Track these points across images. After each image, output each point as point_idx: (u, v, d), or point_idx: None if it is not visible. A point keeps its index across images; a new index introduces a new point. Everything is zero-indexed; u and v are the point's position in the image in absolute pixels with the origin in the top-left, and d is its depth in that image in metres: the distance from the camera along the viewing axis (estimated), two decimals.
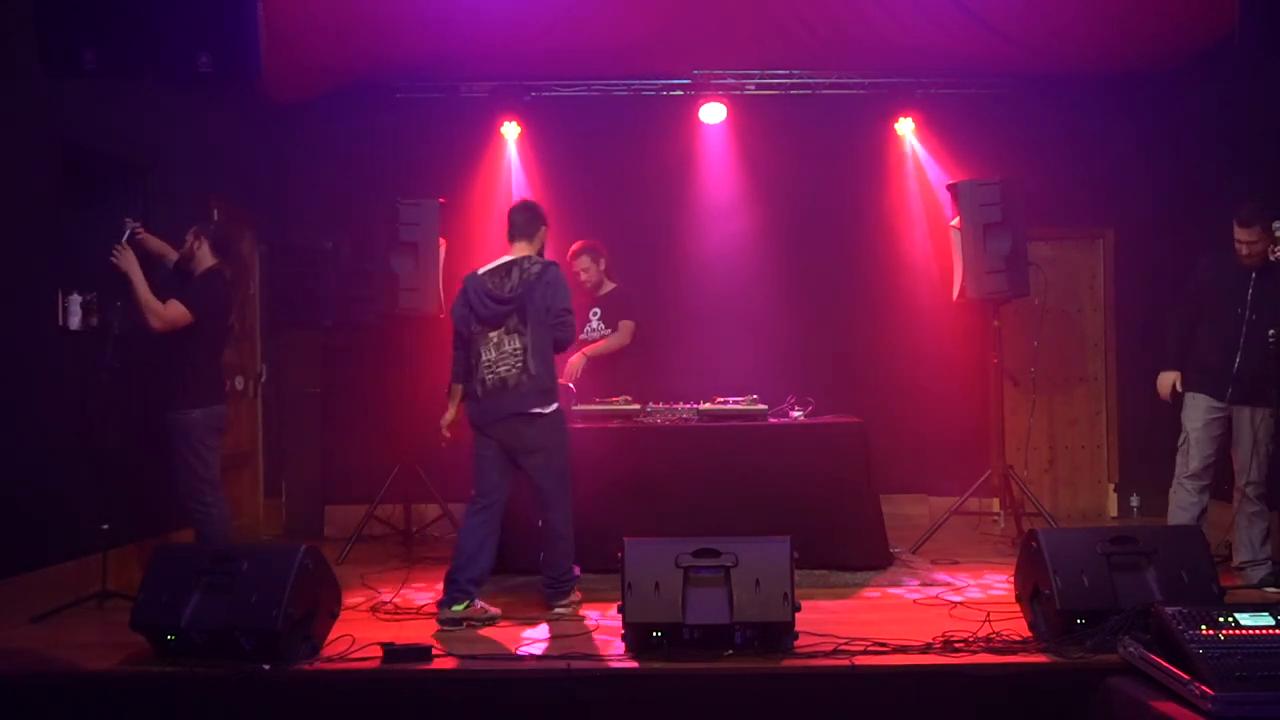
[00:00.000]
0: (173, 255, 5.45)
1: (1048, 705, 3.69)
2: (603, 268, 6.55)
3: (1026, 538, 4.23)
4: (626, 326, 6.46)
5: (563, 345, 4.95)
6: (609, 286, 6.60)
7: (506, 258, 4.97)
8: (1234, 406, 5.31)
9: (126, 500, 5.43)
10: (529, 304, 4.77)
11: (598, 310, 6.54)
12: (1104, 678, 3.59)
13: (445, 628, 4.52)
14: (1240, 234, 5.20)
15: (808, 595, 4.59)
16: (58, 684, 3.83)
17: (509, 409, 4.76)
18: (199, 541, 5.20)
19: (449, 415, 5.06)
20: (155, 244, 5.46)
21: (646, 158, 7.58)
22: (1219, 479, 5.43)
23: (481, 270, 4.98)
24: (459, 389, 5.01)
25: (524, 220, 5.05)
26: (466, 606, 4.59)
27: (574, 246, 6.54)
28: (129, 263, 5.16)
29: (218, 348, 5.35)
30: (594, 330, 6.51)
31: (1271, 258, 5.10)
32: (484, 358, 4.80)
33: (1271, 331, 5.27)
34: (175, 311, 5.12)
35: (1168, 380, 5.53)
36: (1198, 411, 5.38)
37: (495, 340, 4.81)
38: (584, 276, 6.49)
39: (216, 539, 5.18)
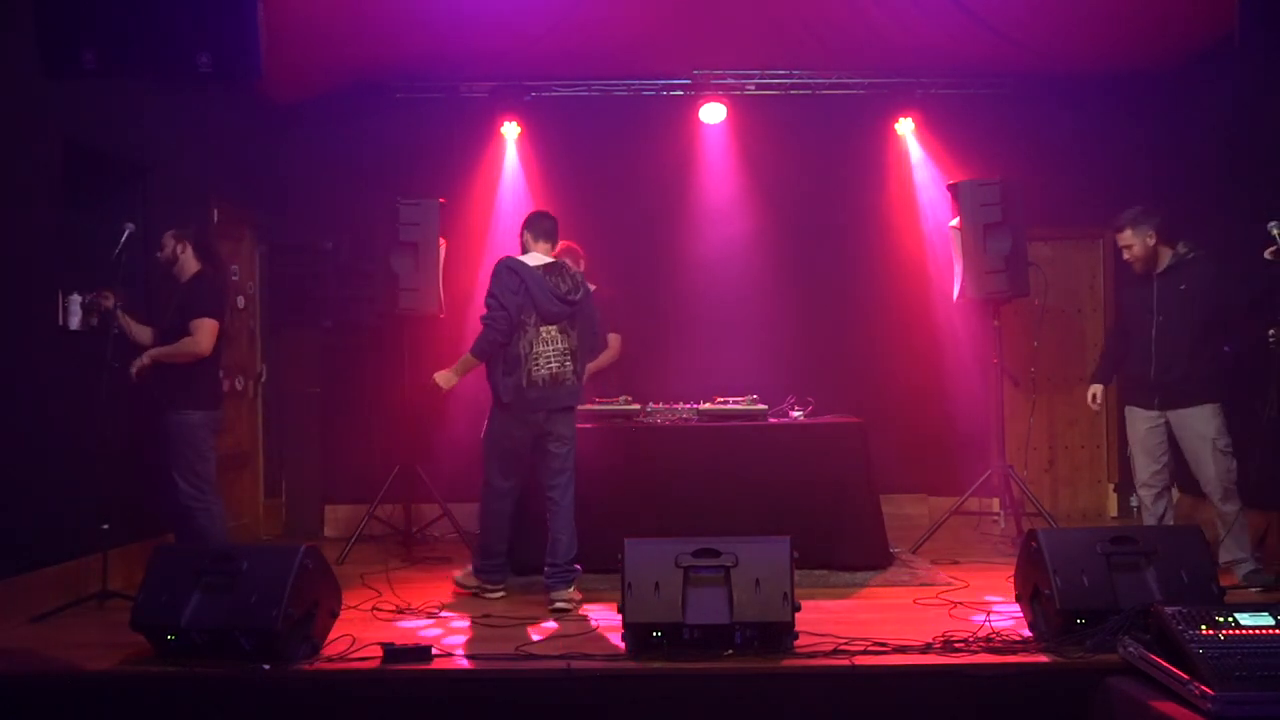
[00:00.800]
0: (146, 339, 5.42)
1: (1048, 705, 3.69)
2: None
3: (1026, 538, 4.23)
4: (615, 341, 6.49)
5: (591, 357, 5.51)
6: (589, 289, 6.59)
7: (545, 258, 5.22)
8: (1166, 412, 5.33)
9: (126, 500, 5.43)
10: (581, 312, 5.18)
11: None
12: (1104, 678, 3.59)
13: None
14: (1118, 240, 5.43)
15: (808, 595, 4.59)
16: (58, 684, 3.83)
17: (562, 402, 5.09)
18: (195, 541, 5.18)
19: (451, 379, 5.25)
20: (135, 328, 5.46)
21: (646, 158, 7.58)
22: (1191, 478, 5.47)
23: (530, 263, 5.14)
24: (473, 363, 5.16)
25: (551, 226, 5.34)
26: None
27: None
28: (143, 365, 5.20)
29: (217, 350, 5.35)
30: None
31: (1268, 256, 5.11)
32: (534, 349, 5.04)
33: (1271, 331, 5.26)
34: (204, 332, 5.18)
35: (1089, 392, 5.78)
36: (1135, 423, 5.49)
37: (547, 336, 5.08)
38: None
39: (215, 537, 5.21)
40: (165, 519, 5.47)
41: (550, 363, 5.04)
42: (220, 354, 5.43)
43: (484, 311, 5.07)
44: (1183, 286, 5.27)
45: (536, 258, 5.18)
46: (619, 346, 6.51)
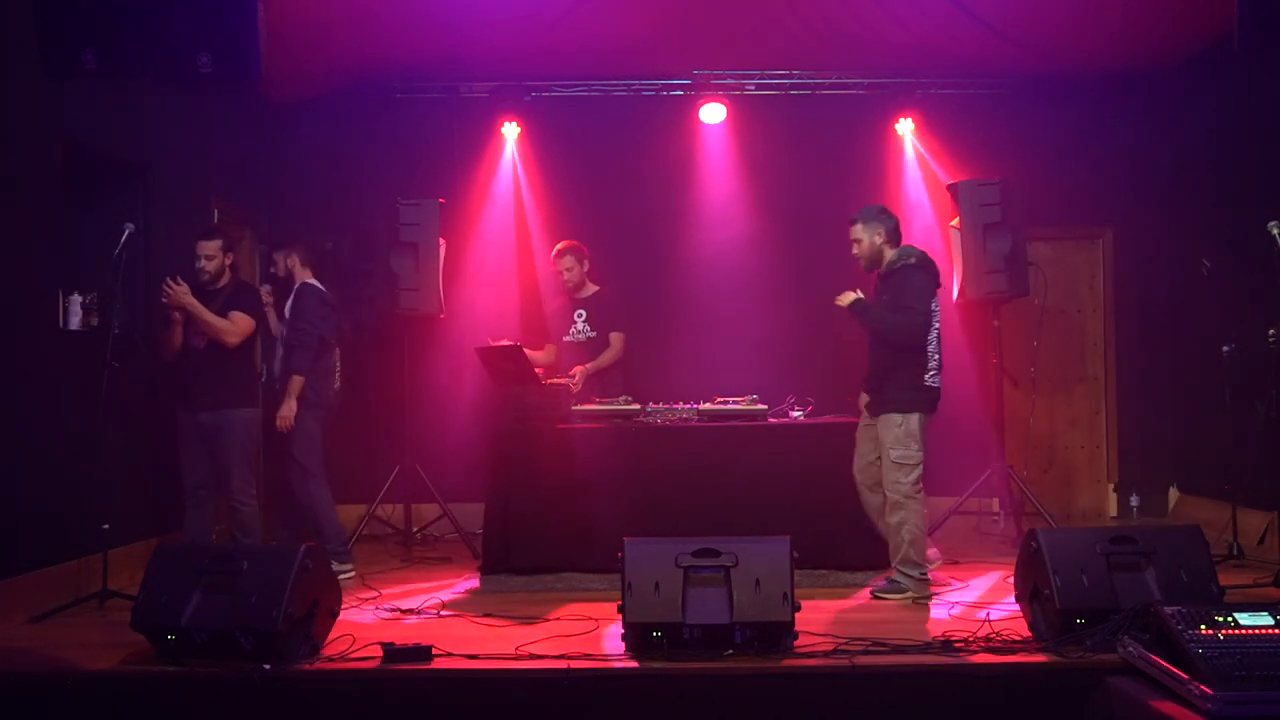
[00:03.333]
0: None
1: (1047, 705, 3.69)
2: (585, 269, 6.56)
3: (1026, 538, 4.23)
4: (618, 340, 6.51)
5: None
6: (591, 289, 6.60)
7: None
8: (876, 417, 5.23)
9: (126, 500, 5.44)
10: None
11: (582, 312, 6.55)
12: (1104, 677, 3.59)
13: None
14: (851, 233, 5.34)
15: (808, 595, 4.59)
16: (58, 684, 3.83)
17: None
18: (245, 536, 5.41)
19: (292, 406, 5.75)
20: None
21: (646, 158, 7.58)
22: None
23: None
24: (299, 382, 5.76)
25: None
26: None
27: (558, 246, 6.55)
28: (184, 295, 5.28)
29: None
30: (579, 332, 6.53)
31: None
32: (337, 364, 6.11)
33: (1271, 331, 5.27)
34: (244, 323, 5.41)
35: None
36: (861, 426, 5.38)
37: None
38: (566, 276, 6.51)
39: (256, 533, 5.45)
40: (178, 518, 5.48)
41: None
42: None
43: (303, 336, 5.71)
44: (885, 297, 5.18)
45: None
46: (621, 345, 6.51)
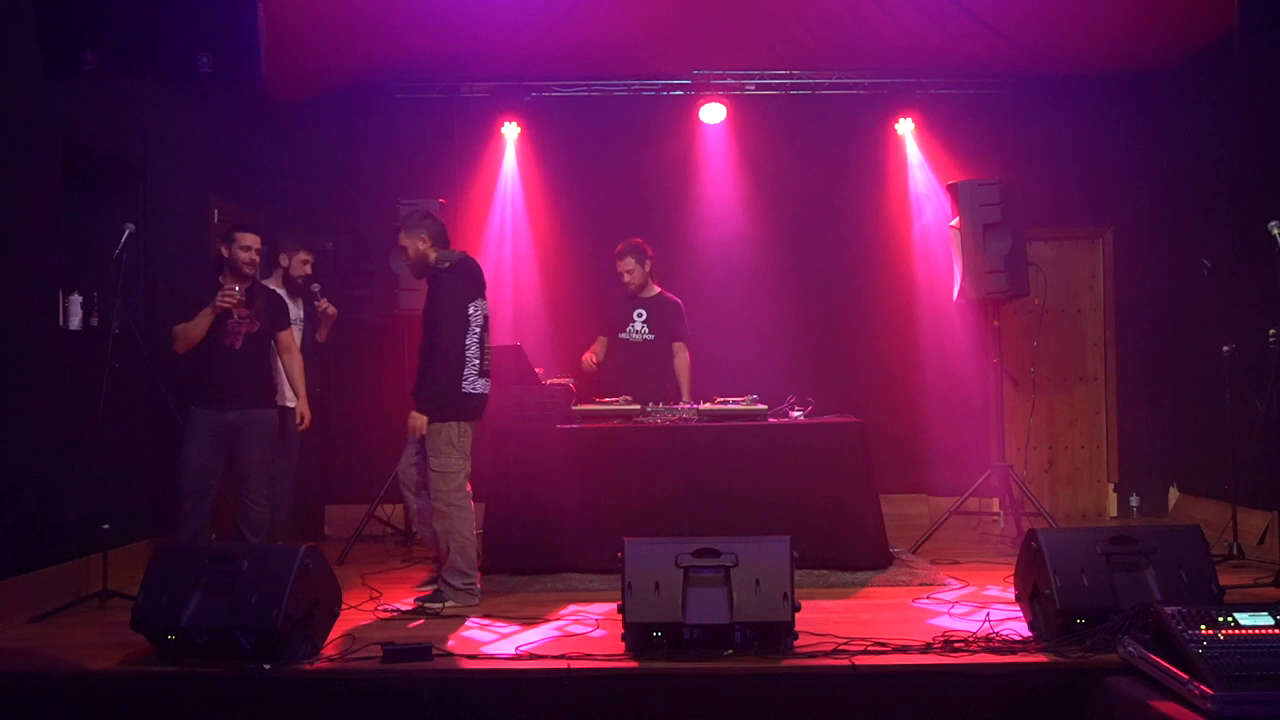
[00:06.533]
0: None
1: (1048, 705, 3.69)
2: (648, 269, 6.49)
3: (1026, 538, 4.23)
4: (684, 350, 6.49)
5: None
6: (654, 290, 6.55)
7: None
8: None
9: (126, 500, 5.44)
10: None
11: (642, 312, 6.47)
12: (1104, 677, 3.59)
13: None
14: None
15: (808, 595, 4.59)
16: (58, 684, 3.83)
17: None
18: (254, 536, 5.39)
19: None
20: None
21: (646, 158, 7.59)
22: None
23: None
24: None
25: None
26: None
27: (620, 246, 6.47)
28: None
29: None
30: (637, 331, 6.46)
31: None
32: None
33: (1272, 331, 5.26)
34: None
35: None
36: None
37: None
38: (628, 278, 6.43)
39: (264, 534, 5.43)
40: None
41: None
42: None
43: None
44: (426, 305, 5.11)
45: None
46: (688, 355, 6.51)
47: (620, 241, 6.53)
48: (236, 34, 4.19)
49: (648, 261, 6.47)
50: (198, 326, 5.24)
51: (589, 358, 6.49)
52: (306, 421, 5.76)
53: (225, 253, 5.36)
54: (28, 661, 4.01)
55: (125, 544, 5.39)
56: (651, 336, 6.46)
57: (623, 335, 6.48)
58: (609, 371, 6.42)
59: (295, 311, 6.14)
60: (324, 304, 6.37)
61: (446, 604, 4.87)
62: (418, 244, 5.08)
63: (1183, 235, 7.22)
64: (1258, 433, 5.67)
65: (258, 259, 5.42)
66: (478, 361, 4.99)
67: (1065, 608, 3.89)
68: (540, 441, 5.63)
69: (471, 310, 4.99)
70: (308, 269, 6.28)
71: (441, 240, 5.12)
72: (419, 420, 4.90)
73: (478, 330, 5.01)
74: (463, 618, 4.69)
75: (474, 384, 4.98)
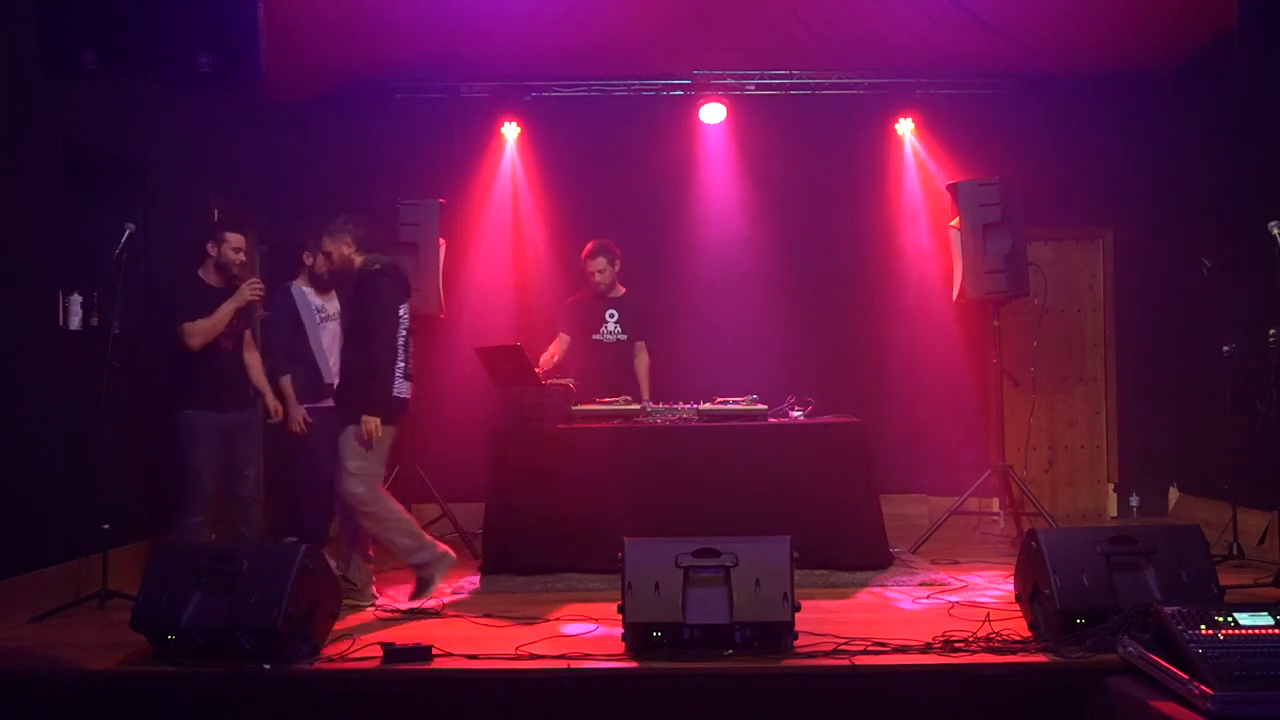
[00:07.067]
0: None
1: (1048, 705, 3.69)
2: (617, 269, 6.52)
3: (1026, 538, 4.23)
4: (645, 351, 6.55)
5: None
6: (620, 290, 6.58)
7: None
8: None
9: (126, 500, 5.43)
10: None
11: (614, 313, 6.51)
12: (1104, 678, 3.59)
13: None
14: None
15: (808, 595, 4.59)
16: (58, 684, 3.83)
17: None
18: (253, 535, 5.42)
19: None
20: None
21: (646, 158, 7.58)
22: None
23: None
24: None
25: None
26: None
27: (589, 245, 6.49)
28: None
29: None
30: (610, 333, 6.49)
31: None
32: None
33: (1272, 331, 5.26)
34: None
35: None
36: None
37: None
38: (599, 277, 6.45)
39: (260, 531, 5.48)
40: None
41: None
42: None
43: None
44: (355, 304, 5.11)
45: None
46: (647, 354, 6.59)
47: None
48: (236, 34, 4.19)
49: (617, 261, 6.50)
50: (219, 322, 5.26)
51: (550, 358, 6.44)
52: (278, 414, 5.66)
53: (214, 252, 5.36)
54: (28, 661, 4.02)
55: (125, 544, 5.39)
56: (624, 337, 6.50)
57: (595, 336, 6.50)
58: (581, 373, 6.38)
59: (331, 306, 5.94)
60: None
61: (434, 584, 4.90)
62: (342, 248, 5.04)
63: (1183, 235, 7.22)
64: (1258, 433, 5.67)
65: (245, 259, 5.46)
66: (403, 364, 5.00)
67: (1065, 608, 3.89)
68: (540, 442, 5.62)
69: (402, 312, 5.02)
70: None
71: (365, 244, 5.09)
72: (372, 424, 4.83)
73: (405, 333, 5.03)
74: (463, 616, 4.69)
75: (400, 387, 4.98)
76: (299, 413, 5.70)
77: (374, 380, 4.89)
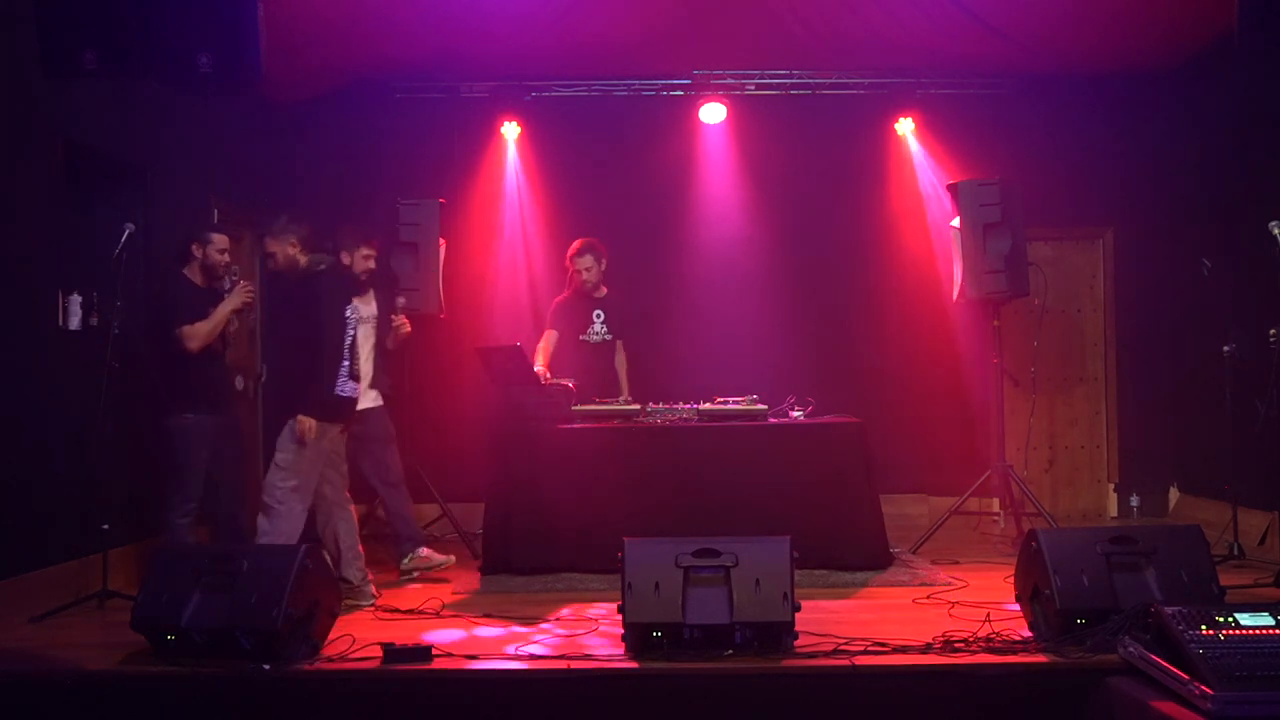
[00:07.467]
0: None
1: (1048, 705, 3.69)
2: (603, 268, 6.54)
3: (1026, 538, 4.23)
4: (623, 349, 6.58)
5: None
6: (604, 290, 6.59)
7: None
8: None
9: (126, 500, 5.43)
10: None
11: (601, 313, 6.52)
12: (1104, 678, 3.59)
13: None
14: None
15: (808, 595, 4.58)
16: (58, 684, 3.83)
17: None
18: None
19: None
20: None
21: (646, 158, 7.58)
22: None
23: None
24: None
25: None
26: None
27: (576, 244, 6.52)
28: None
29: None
30: (597, 333, 6.50)
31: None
32: None
33: (1272, 331, 5.26)
34: None
35: None
36: None
37: None
38: (585, 276, 6.46)
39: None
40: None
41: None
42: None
43: None
44: (294, 304, 5.05)
45: None
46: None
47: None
48: (236, 34, 4.18)
49: (604, 260, 6.52)
50: (218, 325, 5.27)
51: (544, 356, 6.40)
52: None
53: (199, 253, 5.34)
54: (27, 661, 4.01)
55: (125, 544, 5.39)
56: (610, 337, 6.52)
57: (583, 337, 6.50)
58: (569, 374, 6.36)
59: (367, 309, 5.77)
60: (401, 319, 6.05)
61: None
62: (287, 249, 5.02)
63: (1183, 235, 7.22)
64: (1258, 433, 5.67)
65: (230, 260, 5.46)
66: (348, 364, 4.99)
67: (1065, 608, 3.89)
68: (540, 442, 5.62)
69: (349, 313, 5.03)
70: (371, 264, 5.83)
71: (309, 244, 5.07)
72: (307, 423, 4.80)
73: (352, 333, 5.04)
74: (463, 616, 4.69)
75: (344, 386, 4.97)
76: None
77: (313, 380, 4.87)
